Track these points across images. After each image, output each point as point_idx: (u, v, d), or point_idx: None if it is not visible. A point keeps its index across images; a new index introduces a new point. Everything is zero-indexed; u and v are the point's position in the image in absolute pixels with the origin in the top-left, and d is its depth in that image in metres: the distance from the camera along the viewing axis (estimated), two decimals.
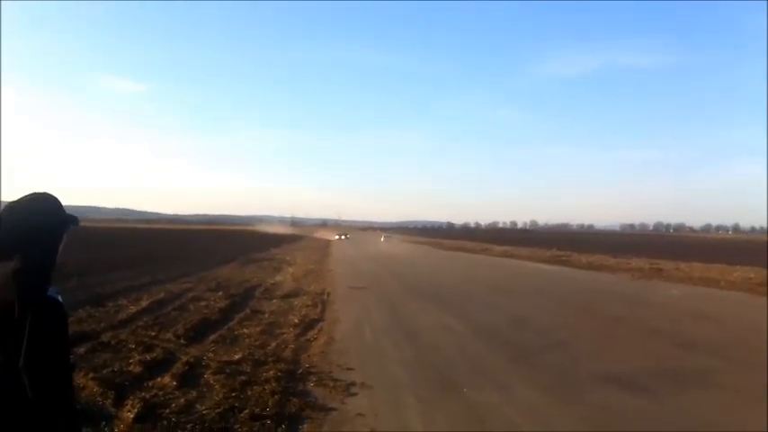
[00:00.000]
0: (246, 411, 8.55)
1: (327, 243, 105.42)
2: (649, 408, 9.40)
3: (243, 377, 10.50)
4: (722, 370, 12.14)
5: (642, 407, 9.44)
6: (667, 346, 14.82)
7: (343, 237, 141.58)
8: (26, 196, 2.97)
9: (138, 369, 10.89)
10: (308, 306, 20.19)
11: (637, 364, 12.63)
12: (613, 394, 10.18)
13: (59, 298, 2.92)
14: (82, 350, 12.24)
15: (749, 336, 16.51)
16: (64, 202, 3.10)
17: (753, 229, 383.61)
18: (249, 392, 9.56)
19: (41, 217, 2.98)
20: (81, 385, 9.75)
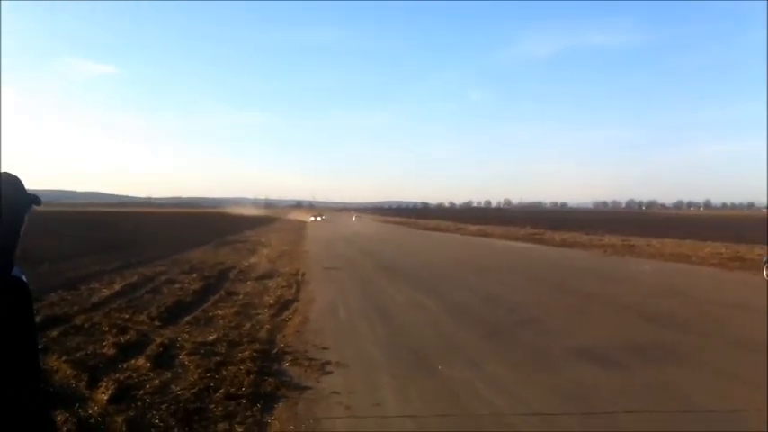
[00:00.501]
0: (222, 391, 8.57)
1: (302, 225, 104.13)
2: (621, 382, 9.54)
3: (218, 358, 10.51)
4: (693, 344, 12.33)
5: (614, 381, 9.58)
6: (639, 321, 15.02)
7: (318, 218, 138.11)
8: None
9: (111, 351, 10.87)
10: (282, 287, 20.20)
11: (609, 339, 12.78)
12: (585, 369, 10.31)
13: (23, 278, 2.91)
14: (54, 333, 12.19)
15: (719, 310, 16.78)
16: (34, 187, 3.07)
17: (724, 206, 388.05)
18: (224, 373, 9.57)
19: (2, 197, 2.96)
20: (54, 368, 9.73)
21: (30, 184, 3.08)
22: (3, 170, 3.06)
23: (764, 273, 23.46)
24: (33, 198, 3.11)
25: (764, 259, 24.46)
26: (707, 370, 10.27)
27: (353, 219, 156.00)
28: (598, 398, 8.60)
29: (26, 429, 2.82)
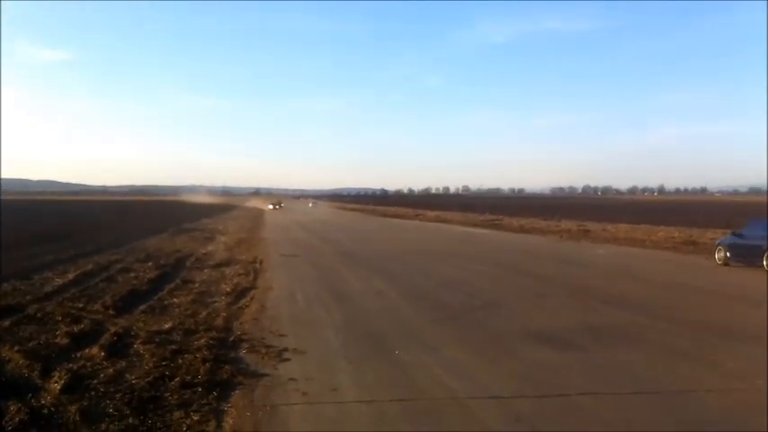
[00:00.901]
0: (177, 380, 8.49)
1: (260, 213, 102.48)
2: (578, 363, 9.66)
3: (173, 346, 10.41)
4: (647, 326, 12.54)
5: (571, 362, 9.70)
6: (595, 304, 15.24)
7: (276, 206, 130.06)
8: None
9: (65, 341, 10.71)
10: (240, 275, 20.09)
11: (565, 321, 12.94)
12: (543, 351, 10.42)
13: None
14: (7, 323, 12.02)
15: (672, 293, 17.12)
16: None
17: (677, 191, 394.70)
18: (180, 361, 9.49)
19: None
20: (6, 358, 9.58)
21: None
22: None
23: (716, 256, 23.92)
24: None
25: (716, 243, 24.93)
26: (658, 350, 10.46)
27: (310, 205, 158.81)
28: (554, 380, 8.70)
29: None
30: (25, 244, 30.36)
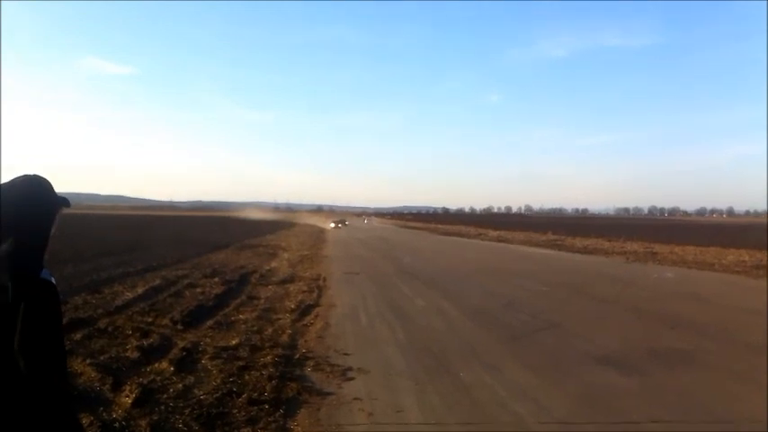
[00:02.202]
0: (244, 396, 8.61)
1: (321, 230, 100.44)
2: (641, 388, 9.49)
3: (240, 362, 10.56)
4: (714, 351, 12.24)
5: (634, 387, 9.53)
6: (660, 328, 14.91)
7: (339, 225, 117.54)
8: (17, 178, 2.98)
9: (135, 354, 10.94)
10: (303, 291, 20.26)
11: (629, 345, 12.71)
12: (605, 375, 10.27)
13: (52, 280, 2.95)
14: (78, 336, 12.30)
15: (742, 318, 16.63)
16: (58, 190, 3.12)
17: (747, 213, 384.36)
18: (246, 377, 9.62)
19: (33, 199, 3.00)
20: (78, 371, 9.81)
21: (56, 187, 3.13)
22: (31, 172, 3.10)
23: None
24: (62, 200, 3.15)
25: None
26: (730, 377, 10.19)
27: (365, 222, 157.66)
28: (620, 405, 8.55)
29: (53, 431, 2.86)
30: (94, 257, 31.14)
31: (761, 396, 9.15)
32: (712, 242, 52.73)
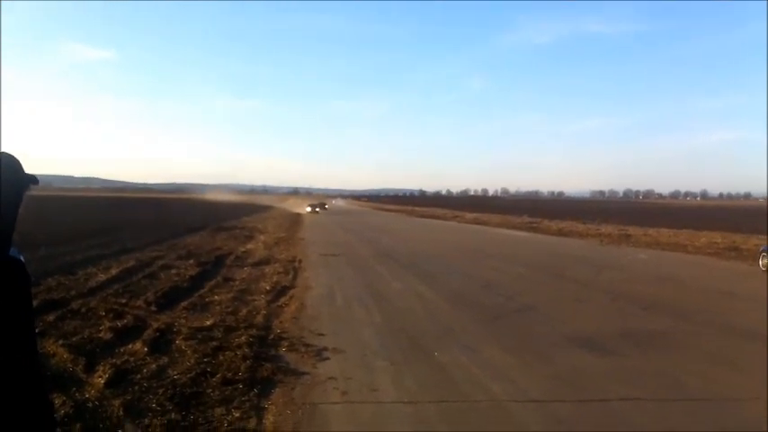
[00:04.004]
0: (218, 376, 8.58)
1: (296, 215, 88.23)
2: (617, 368, 9.57)
3: (214, 343, 10.51)
4: (688, 332, 12.38)
5: (610, 367, 9.61)
6: (634, 309, 15.05)
7: (317, 209, 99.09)
8: None
9: (108, 336, 10.86)
10: (279, 273, 20.21)
11: (604, 326, 12.81)
12: (582, 355, 10.35)
13: (21, 258, 2.89)
14: (51, 318, 12.19)
15: (714, 299, 16.83)
16: (31, 171, 3.06)
17: (721, 196, 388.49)
18: (221, 358, 9.57)
19: (1, 176, 2.94)
20: (51, 352, 9.73)
21: (27, 168, 3.07)
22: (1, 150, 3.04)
23: (760, 262, 23.49)
24: (31, 178, 3.09)
25: (761, 249, 24.46)
26: (701, 357, 10.31)
27: (333, 202, 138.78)
28: (594, 385, 8.62)
29: (25, 412, 2.80)
30: (68, 239, 30.86)
31: (734, 376, 9.28)
32: (686, 225, 53.23)
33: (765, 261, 23.12)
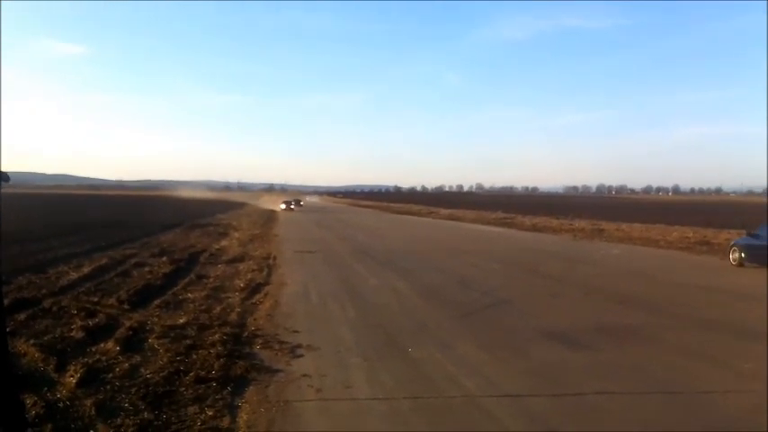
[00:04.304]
0: (192, 375, 8.52)
1: (270, 212, 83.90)
2: (591, 362, 9.63)
3: (188, 341, 10.45)
4: (661, 326, 12.48)
5: (584, 361, 9.67)
6: (608, 303, 15.18)
7: (292, 206, 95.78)
8: None
9: (80, 335, 10.77)
10: (253, 270, 20.13)
11: (578, 320, 12.90)
12: (556, 350, 10.40)
13: None
14: (22, 317, 12.08)
15: (687, 293, 16.99)
16: (2, 169, 3.02)
17: (692, 191, 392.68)
18: (194, 356, 9.52)
19: None
20: (22, 352, 9.64)
21: None
22: None
23: (730, 257, 23.75)
24: (2, 175, 3.05)
25: (731, 243, 24.73)
26: (674, 350, 10.40)
27: (302, 202, 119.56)
28: (569, 379, 8.67)
29: None
30: (40, 237, 30.55)
31: (707, 368, 9.38)
32: (658, 220, 53.68)
33: (736, 255, 23.36)
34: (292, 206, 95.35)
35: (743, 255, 22.99)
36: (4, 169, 3.07)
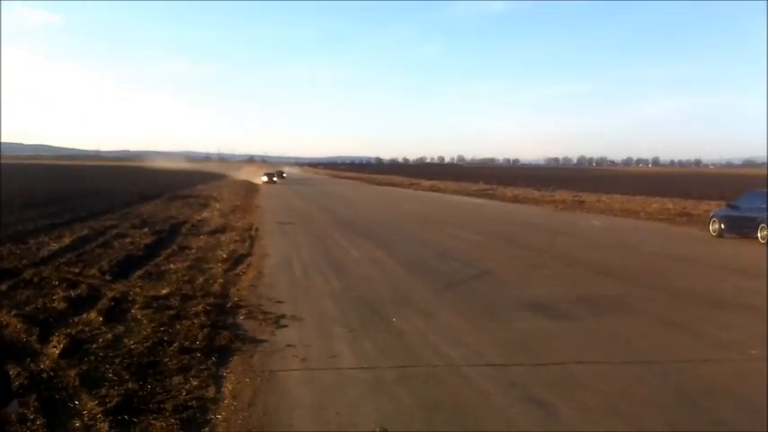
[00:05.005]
0: (176, 345, 8.52)
1: (251, 184, 79.76)
2: (571, 332, 9.73)
3: (171, 312, 10.44)
4: (638, 296, 12.62)
5: (564, 331, 9.77)
6: (588, 274, 15.31)
7: (274, 178, 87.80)
8: None
9: (62, 305, 10.72)
10: (236, 241, 20.08)
11: (559, 291, 13.00)
12: (537, 320, 10.49)
13: None
14: (3, 287, 12.03)
15: (666, 264, 17.16)
16: None
17: (672, 163, 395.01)
18: (178, 326, 9.52)
19: None
20: (4, 323, 9.61)
21: None
22: None
23: (710, 228, 23.95)
24: None
25: (711, 214, 24.94)
26: (654, 320, 10.54)
27: (289, 170, 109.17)
28: (549, 349, 8.75)
29: None
30: (19, 208, 30.31)
31: (684, 338, 9.50)
32: (638, 191, 54.02)
33: (716, 227, 23.57)
34: (275, 179, 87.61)
35: (722, 226, 23.21)
36: None
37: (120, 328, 9.48)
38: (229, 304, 11.27)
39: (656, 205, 39.15)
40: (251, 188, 67.64)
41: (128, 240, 19.68)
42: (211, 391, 6.97)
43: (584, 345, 9.02)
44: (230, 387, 7.11)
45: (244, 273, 14.70)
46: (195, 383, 7.17)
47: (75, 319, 9.97)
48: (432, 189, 71.87)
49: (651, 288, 13.53)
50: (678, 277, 15.03)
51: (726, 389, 7.19)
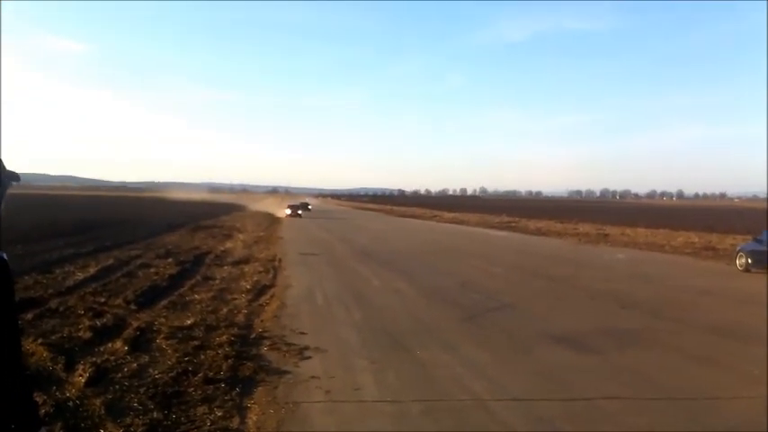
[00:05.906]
0: (200, 375, 8.54)
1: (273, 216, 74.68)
2: (596, 366, 9.64)
3: (195, 342, 10.47)
4: (664, 330, 12.49)
5: (589, 365, 9.68)
6: (613, 307, 15.17)
7: (299, 211, 79.08)
8: None
9: (87, 335, 10.78)
10: (259, 272, 20.14)
11: (583, 324, 12.91)
12: (561, 353, 10.41)
13: (4, 256, 2.85)
14: (29, 316, 12.08)
15: (691, 298, 16.97)
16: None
17: (696, 196, 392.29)
18: (202, 357, 9.54)
19: None
20: (30, 351, 9.63)
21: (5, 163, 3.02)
22: None
23: (737, 262, 23.68)
24: (12, 175, 3.04)
25: (738, 248, 24.68)
26: (681, 356, 10.40)
27: (310, 207, 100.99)
28: (574, 382, 8.67)
29: (9, 411, 2.77)
30: (45, 237, 30.58)
31: (711, 373, 9.37)
32: (662, 224, 53.66)
33: (742, 261, 23.33)
34: (299, 211, 79.49)
35: (749, 260, 22.96)
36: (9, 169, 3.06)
37: (145, 358, 9.52)
38: (253, 335, 11.29)
39: (681, 239, 38.86)
40: (273, 220, 67.89)
41: (152, 270, 19.80)
42: (236, 422, 6.97)
43: (612, 378, 8.93)
44: (254, 418, 7.11)
45: (267, 303, 14.73)
46: (219, 414, 7.18)
47: (101, 349, 10.03)
48: (454, 221, 71.81)
49: (678, 321, 13.39)
50: (706, 311, 14.86)
51: (756, 427, 7.06)
